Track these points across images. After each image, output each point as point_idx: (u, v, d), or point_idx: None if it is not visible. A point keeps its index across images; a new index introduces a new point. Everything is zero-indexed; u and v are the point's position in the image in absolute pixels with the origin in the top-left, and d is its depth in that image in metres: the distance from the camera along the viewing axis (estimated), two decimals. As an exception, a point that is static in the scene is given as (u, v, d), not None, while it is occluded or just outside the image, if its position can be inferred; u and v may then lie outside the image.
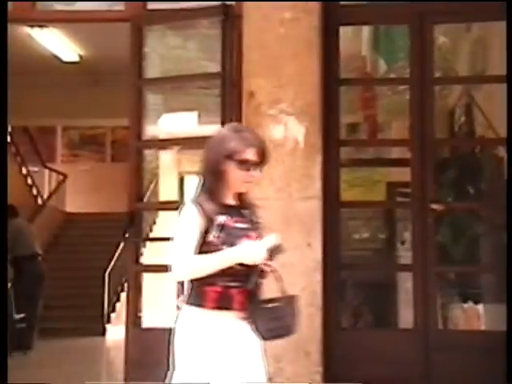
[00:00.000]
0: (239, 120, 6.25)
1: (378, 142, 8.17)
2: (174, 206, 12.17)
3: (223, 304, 3.45)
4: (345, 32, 6.82)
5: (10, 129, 14.92)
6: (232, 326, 3.47)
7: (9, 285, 10.63)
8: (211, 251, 3.42)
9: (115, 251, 13.79)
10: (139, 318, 6.66)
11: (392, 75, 8.06)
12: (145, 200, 8.09)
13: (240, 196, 3.64)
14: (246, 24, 6.23)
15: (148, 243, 9.88)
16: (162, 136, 8.63)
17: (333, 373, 5.96)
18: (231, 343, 3.46)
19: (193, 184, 13.14)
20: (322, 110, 6.16)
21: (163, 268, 9.48)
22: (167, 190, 15.70)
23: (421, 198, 6.34)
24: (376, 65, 8.10)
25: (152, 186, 14.29)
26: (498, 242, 6.77)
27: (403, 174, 6.92)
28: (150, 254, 9.76)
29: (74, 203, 17.97)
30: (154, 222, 13.76)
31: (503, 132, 6.55)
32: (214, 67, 6.45)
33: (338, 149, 6.46)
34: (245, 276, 3.44)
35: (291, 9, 6.12)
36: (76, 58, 11.64)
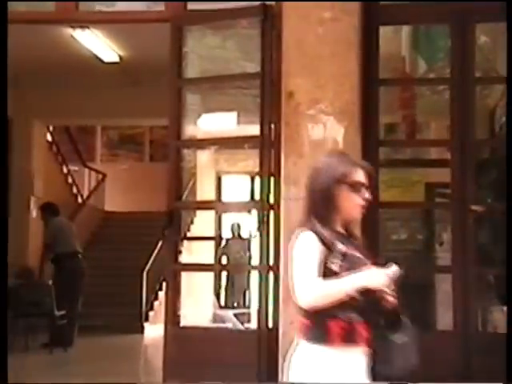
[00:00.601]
0: (278, 120, 6.25)
1: (418, 143, 8.13)
2: (211, 205, 12.27)
3: (349, 339, 3.24)
4: (384, 32, 6.76)
5: (51, 128, 15.07)
6: (357, 363, 3.27)
7: (50, 282, 10.74)
8: None
9: (153, 250, 13.82)
10: (178, 316, 6.67)
11: (432, 75, 7.98)
12: (183, 199, 8.10)
13: (347, 224, 3.48)
14: (286, 24, 6.21)
15: (185, 242, 9.90)
16: (199, 136, 8.64)
17: (371, 372, 5.92)
18: (355, 381, 3.27)
19: (230, 184, 13.08)
20: (361, 110, 6.13)
21: (201, 267, 9.52)
22: (205, 190, 15.71)
23: (460, 199, 6.27)
24: (415, 65, 8.04)
25: (190, 186, 14.30)
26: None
27: (442, 175, 6.84)
28: (187, 253, 9.78)
29: (112, 202, 18.07)
30: (192, 222, 13.76)
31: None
32: (253, 67, 6.45)
33: (377, 149, 6.42)
34: (367, 307, 3.25)
35: (330, 9, 6.09)
36: (116, 59, 11.68)
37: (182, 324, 6.80)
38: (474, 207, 6.32)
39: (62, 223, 11.28)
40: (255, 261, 12.77)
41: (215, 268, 12.70)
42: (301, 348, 3.30)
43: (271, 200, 6.33)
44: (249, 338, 6.52)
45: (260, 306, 6.31)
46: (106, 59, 11.65)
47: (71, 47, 10.86)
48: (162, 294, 13.49)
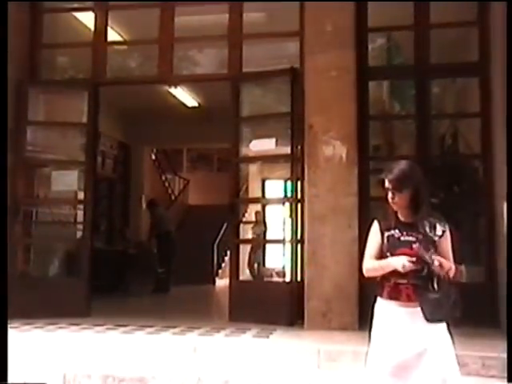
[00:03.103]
0: (302, 143, 6.20)
1: (395, 158, 7.99)
2: (258, 200, 12.11)
3: (393, 296, 3.06)
4: (372, 84, 6.70)
5: (154, 150, 15.14)
6: (399, 312, 3.05)
7: (155, 250, 10.80)
8: (383, 256, 3.10)
9: (220, 229, 13.81)
10: (238, 273, 6.65)
11: (403, 113, 7.88)
12: (240, 196, 8.05)
13: (413, 213, 3.09)
14: (306, 80, 6.22)
15: (241, 225, 9.85)
16: (250, 154, 8.59)
17: (364, 309, 5.84)
18: (398, 325, 3.05)
19: (270, 186, 12.81)
20: (358, 136, 6.09)
21: (251, 241, 9.37)
22: (253, 190, 15.66)
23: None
24: (392, 106, 7.95)
25: (244, 188, 14.25)
26: (475, 226, 6.60)
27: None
28: (243, 232, 9.74)
29: (193, 198, 18.07)
30: (246, 211, 13.69)
31: (477, 150, 6.40)
32: (285, 109, 6.39)
33: (368, 162, 6.38)
34: (412, 274, 3.00)
35: (336, 69, 6.08)
36: (196, 104, 11.73)
37: (240, 278, 6.78)
38: (432, 200, 6.19)
39: (161, 212, 11.32)
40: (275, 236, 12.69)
41: (261, 242, 12.66)
42: (377, 300, 3.17)
43: (299, 196, 6.29)
44: (285, 287, 6.49)
45: (292, 266, 6.28)
46: (190, 105, 11.70)
47: (168, 98, 10.92)
48: (226, 259, 13.48)
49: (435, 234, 3.08)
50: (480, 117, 6.28)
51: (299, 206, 6.26)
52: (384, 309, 3.09)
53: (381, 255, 3.11)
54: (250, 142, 8.31)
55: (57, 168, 7.18)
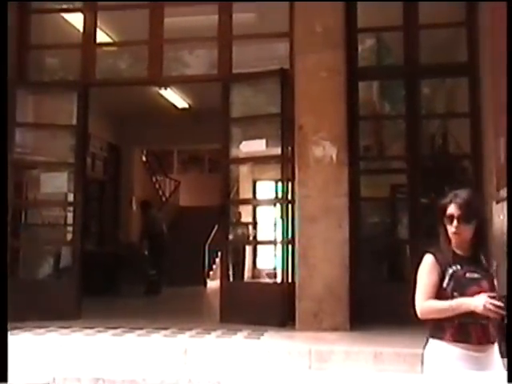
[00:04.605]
0: (293, 144, 6.19)
1: (385, 158, 8.02)
2: (249, 201, 12.10)
3: (459, 338, 2.63)
4: (362, 85, 6.71)
5: (145, 152, 15.08)
6: (467, 356, 2.62)
7: (146, 252, 10.75)
8: (444, 297, 2.65)
9: (211, 230, 13.77)
10: (228, 274, 6.63)
11: (393, 113, 7.89)
12: (230, 198, 8.02)
13: (473, 247, 2.73)
14: (296, 81, 6.21)
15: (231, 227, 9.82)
16: (241, 155, 8.57)
17: (355, 310, 5.85)
18: (465, 371, 2.62)
19: (261, 187, 12.78)
20: (348, 137, 6.08)
21: (242, 242, 9.30)
22: (244, 191, 15.62)
23: (413, 195, 6.21)
24: (382, 106, 7.95)
25: (235, 189, 14.22)
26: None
27: (401, 179, 6.78)
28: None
29: (184, 200, 18.02)
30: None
31: (467, 150, 6.42)
32: (275, 109, 6.38)
33: (358, 162, 6.39)
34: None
35: (326, 70, 6.07)
36: (186, 106, 11.70)
37: (231, 279, 6.76)
38: (422, 200, 6.24)
39: (154, 214, 11.29)
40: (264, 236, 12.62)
41: (252, 243, 12.62)
42: (429, 342, 2.73)
43: (289, 197, 6.28)
44: (276, 288, 6.50)
45: (283, 267, 6.27)
46: (180, 106, 11.67)
47: (158, 99, 10.89)
48: (217, 260, 13.43)
49: (493, 270, 2.78)
50: (469, 117, 6.31)
51: (290, 206, 6.24)
52: (446, 353, 2.65)
53: (438, 294, 2.68)
54: (241, 143, 8.32)
55: (46, 170, 7.13)
